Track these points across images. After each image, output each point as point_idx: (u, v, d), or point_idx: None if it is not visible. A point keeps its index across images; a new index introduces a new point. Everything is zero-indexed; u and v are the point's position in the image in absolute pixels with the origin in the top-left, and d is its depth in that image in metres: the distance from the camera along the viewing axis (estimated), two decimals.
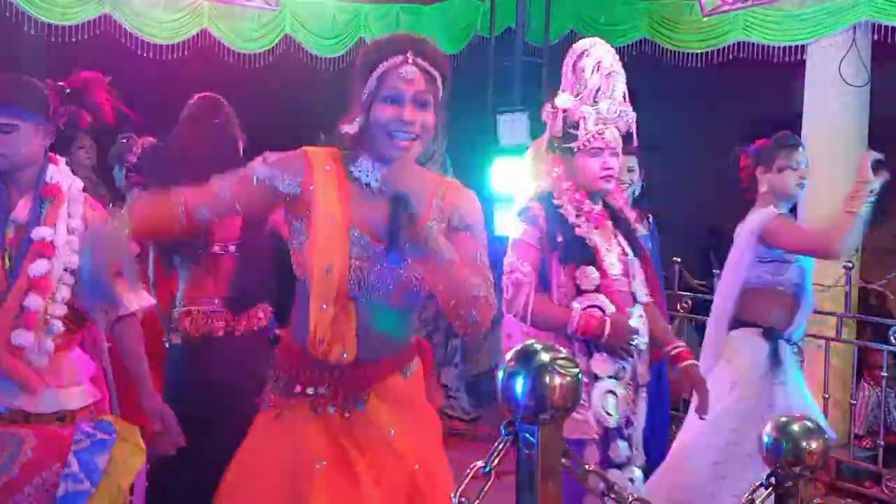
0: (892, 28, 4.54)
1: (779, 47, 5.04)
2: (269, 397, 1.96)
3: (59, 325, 2.21)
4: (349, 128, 1.86)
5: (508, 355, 1.40)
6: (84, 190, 2.37)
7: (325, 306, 1.83)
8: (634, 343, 2.54)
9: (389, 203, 1.71)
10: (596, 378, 2.51)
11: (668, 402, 4.17)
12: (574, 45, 2.72)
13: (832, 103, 4.83)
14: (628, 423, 2.56)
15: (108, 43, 5.05)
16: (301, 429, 1.89)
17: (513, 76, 6.33)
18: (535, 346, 1.40)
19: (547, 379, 1.33)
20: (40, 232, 2.21)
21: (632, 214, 2.77)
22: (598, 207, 2.63)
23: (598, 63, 2.60)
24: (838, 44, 4.76)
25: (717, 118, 8.77)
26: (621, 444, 2.52)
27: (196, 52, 5.33)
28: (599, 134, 2.56)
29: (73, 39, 4.90)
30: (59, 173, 2.30)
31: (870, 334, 4.92)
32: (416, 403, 2.01)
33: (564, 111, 2.61)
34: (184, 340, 2.93)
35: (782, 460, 1.58)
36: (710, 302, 5.00)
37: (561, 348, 1.42)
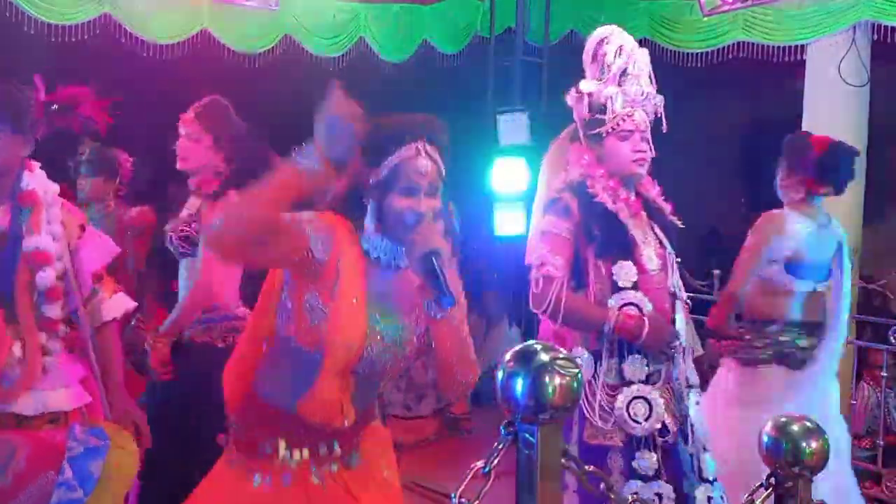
0: (892, 28, 4.53)
1: (779, 47, 5.04)
2: (237, 461, 1.91)
3: (64, 330, 2.26)
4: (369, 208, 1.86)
5: (508, 355, 1.40)
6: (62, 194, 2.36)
7: (330, 384, 1.83)
8: (674, 345, 2.41)
9: (422, 261, 1.77)
10: (625, 381, 2.36)
11: None
12: (592, 35, 2.66)
13: (832, 103, 4.83)
14: (663, 431, 2.37)
15: (108, 43, 5.05)
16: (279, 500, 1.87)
17: (513, 76, 6.33)
18: (535, 346, 1.40)
19: (547, 379, 1.33)
20: (32, 242, 2.20)
21: (667, 206, 2.57)
22: (633, 196, 2.49)
23: (620, 47, 2.53)
24: (838, 44, 4.75)
25: (717, 118, 8.78)
26: (647, 455, 2.34)
27: (196, 52, 5.33)
28: (628, 116, 2.45)
29: (73, 39, 4.89)
30: (35, 179, 2.27)
31: (870, 334, 4.92)
32: (389, 444, 2.09)
33: (590, 95, 2.50)
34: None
35: (782, 460, 1.58)
36: (710, 302, 5.02)
37: (560, 349, 1.42)
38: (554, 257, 2.39)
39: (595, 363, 2.38)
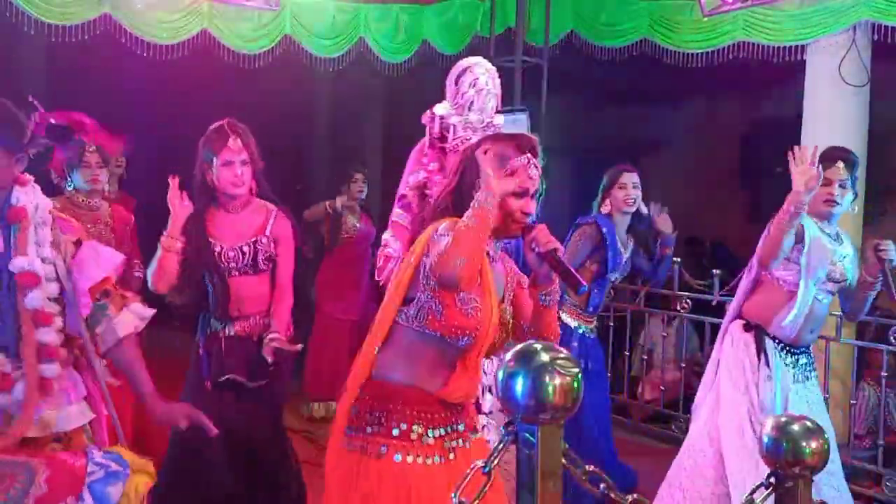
0: (892, 28, 4.53)
1: (779, 47, 5.04)
2: (392, 449, 2.10)
3: (64, 353, 2.24)
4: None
5: (508, 355, 1.40)
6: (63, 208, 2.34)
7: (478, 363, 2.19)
8: None
9: (550, 255, 2.07)
10: None
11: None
12: (459, 62, 3.18)
13: (832, 103, 4.83)
14: None
15: (108, 43, 5.05)
16: (450, 475, 2.08)
17: (513, 76, 6.33)
18: (535, 346, 1.40)
19: (547, 379, 1.33)
20: (19, 263, 2.16)
21: None
22: None
23: (474, 80, 3.09)
24: (838, 44, 4.76)
25: (716, 118, 8.78)
26: None
27: (196, 52, 5.33)
28: (467, 139, 2.93)
29: (73, 39, 4.89)
30: (26, 195, 2.22)
31: (870, 334, 4.92)
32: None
33: (441, 117, 3.08)
34: None
35: (782, 460, 1.58)
36: (710, 302, 5.03)
37: (561, 349, 1.42)
38: (394, 241, 3.06)
39: None
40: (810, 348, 3.43)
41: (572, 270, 2.06)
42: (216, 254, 3.13)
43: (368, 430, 2.10)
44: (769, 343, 3.31)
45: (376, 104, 8.93)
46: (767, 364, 3.29)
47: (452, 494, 1.40)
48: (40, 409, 2.18)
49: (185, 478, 3.10)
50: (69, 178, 3.73)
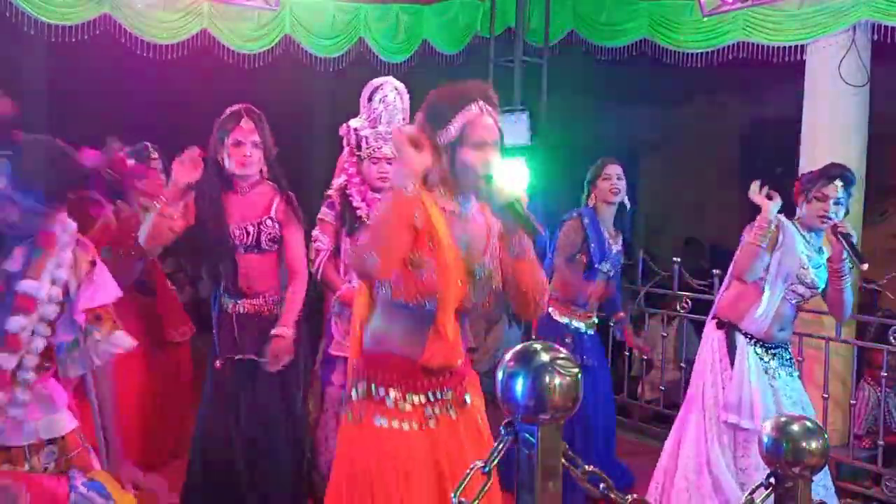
0: (892, 28, 4.53)
1: (779, 47, 5.03)
2: (374, 413, 2.17)
3: (31, 376, 2.21)
4: (435, 171, 2.16)
5: (508, 355, 1.40)
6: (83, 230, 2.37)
7: (449, 327, 2.14)
8: None
9: (509, 207, 2.06)
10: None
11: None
12: (370, 82, 3.59)
13: (832, 103, 4.83)
14: None
15: (108, 43, 5.05)
16: (434, 442, 2.16)
17: (513, 76, 6.33)
18: (535, 346, 1.40)
19: (547, 379, 1.33)
20: (25, 285, 2.18)
21: None
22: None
23: (384, 97, 3.52)
24: (838, 44, 4.75)
25: (716, 118, 8.77)
26: None
27: (196, 52, 5.33)
28: (378, 149, 3.46)
29: (73, 39, 4.89)
30: (59, 221, 2.26)
31: (870, 334, 4.92)
32: (476, 378, 2.36)
33: (356, 129, 3.54)
34: None
35: (782, 460, 1.58)
36: (710, 302, 5.02)
37: (560, 349, 1.42)
38: (322, 236, 3.49)
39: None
40: (788, 345, 3.54)
41: (532, 221, 2.10)
42: (229, 232, 3.29)
43: (354, 397, 2.19)
44: (740, 339, 3.42)
45: None
46: (732, 364, 3.42)
47: (452, 494, 1.40)
48: (26, 419, 2.19)
49: (211, 474, 3.29)
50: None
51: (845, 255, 3.25)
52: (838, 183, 3.29)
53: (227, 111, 3.34)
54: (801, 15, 4.91)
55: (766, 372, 3.38)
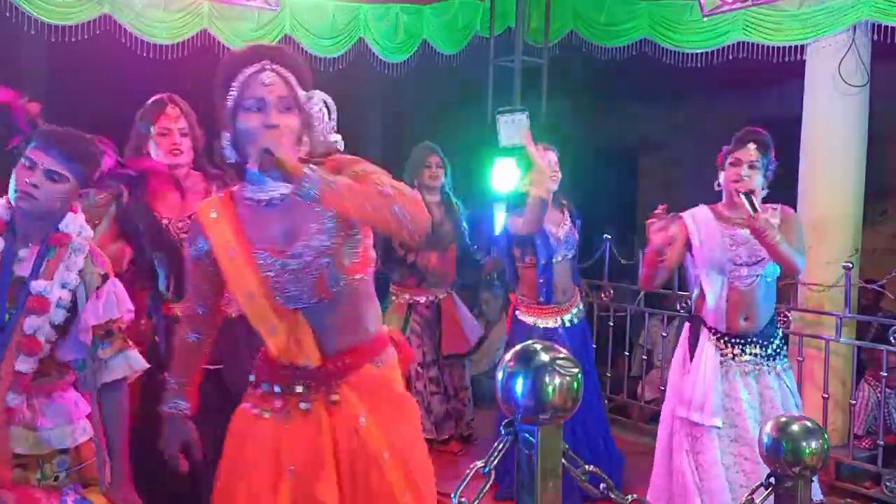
0: (892, 28, 4.53)
1: (779, 47, 5.03)
2: (250, 399, 2.13)
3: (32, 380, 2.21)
4: (227, 155, 2.02)
5: (508, 356, 1.41)
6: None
7: (272, 328, 2.00)
8: None
9: (262, 159, 1.83)
10: None
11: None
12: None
13: (832, 103, 4.82)
14: None
15: (108, 43, 5.04)
16: (278, 432, 2.04)
17: (513, 76, 6.33)
18: (535, 346, 1.40)
19: (547, 379, 1.33)
20: (37, 286, 2.18)
21: None
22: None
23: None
24: (838, 44, 4.75)
25: (716, 118, 8.77)
26: None
27: (196, 52, 5.32)
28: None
29: (73, 39, 4.88)
30: (73, 222, 2.26)
31: (871, 334, 4.92)
32: (391, 392, 2.13)
33: None
34: None
35: (782, 460, 1.58)
36: None
37: (561, 349, 1.42)
38: None
39: None
40: (772, 338, 3.35)
41: (286, 169, 1.84)
42: (165, 227, 3.06)
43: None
44: (703, 332, 3.34)
45: (376, 104, 8.93)
46: (691, 358, 3.35)
47: (452, 494, 1.40)
48: (42, 428, 2.19)
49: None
50: None
51: (752, 214, 3.09)
52: (751, 146, 3.21)
53: (149, 101, 3.16)
54: (801, 15, 4.91)
55: (721, 365, 3.26)
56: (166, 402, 2.21)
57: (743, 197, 3.12)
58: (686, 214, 3.39)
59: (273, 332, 2.00)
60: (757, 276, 3.26)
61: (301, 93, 2.02)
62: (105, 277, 2.29)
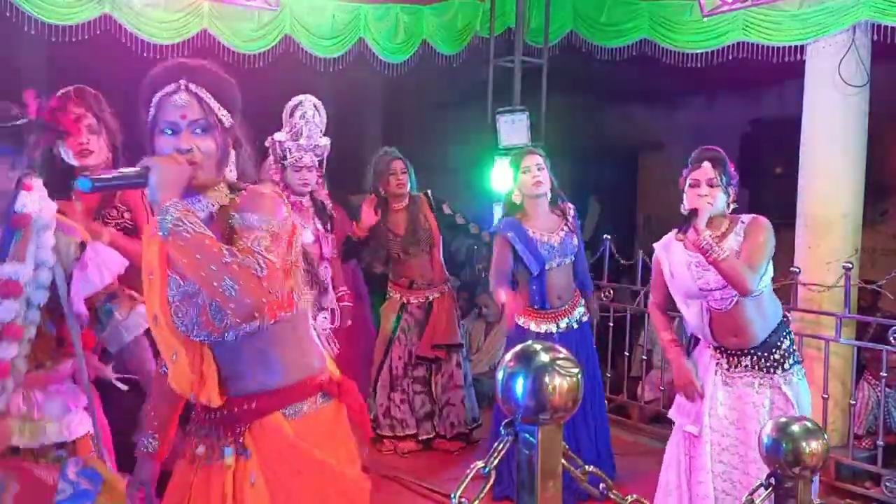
0: (892, 28, 4.53)
1: (779, 47, 5.03)
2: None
3: (22, 366, 2.16)
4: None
5: (508, 356, 1.40)
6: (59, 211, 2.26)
7: (174, 355, 1.85)
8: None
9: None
10: None
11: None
12: (291, 101, 4.16)
13: (832, 103, 4.82)
14: None
15: (108, 43, 5.04)
16: (188, 479, 1.94)
17: (512, 76, 6.33)
18: (535, 346, 1.40)
19: (547, 379, 1.33)
20: (6, 269, 2.12)
21: (329, 203, 4.45)
22: (305, 200, 4.26)
23: (303, 113, 4.12)
24: (838, 44, 4.75)
25: (716, 118, 8.77)
26: None
27: (196, 52, 5.32)
28: (300, 158, 4.13)
29: (73, 39, 4.88)
30: (31, 200, 2.18)
31: (871, 334, 4.92)
32: (296, 452, 1.90)
33: (280, 142, 4.13)
34: None
35: (782, 461, 1.58)
36: None
37: (561, 349, 1.41)
38: None
39: None
40: (769, 351, 3.20)
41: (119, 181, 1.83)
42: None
43: None
44: (703, 341, 3.33)
45: (376, 104, 8.93)
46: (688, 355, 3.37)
47: (452, 495, 1.40)
48: (43, 419, 2.18)
49: None
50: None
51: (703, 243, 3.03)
52: (706, 164, 3.19)
53: (55, 96, 2.95)
54: (800, 15, 4.91)
55: (716, 374, 3.22)
56: (140, 434, 2.11)
57: (687, 215, 3.12)
58: (658, 246, 3.38)
59: (174, 360, 1.85)
60: (735, 296, 3.12)
61: (223, 113, 1.91)
62: (82, 246, 2.25)
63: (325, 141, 4.25)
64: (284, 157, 4.12)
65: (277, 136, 4.14)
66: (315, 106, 4.18)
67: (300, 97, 4.16)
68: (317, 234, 4.25)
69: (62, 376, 2.27)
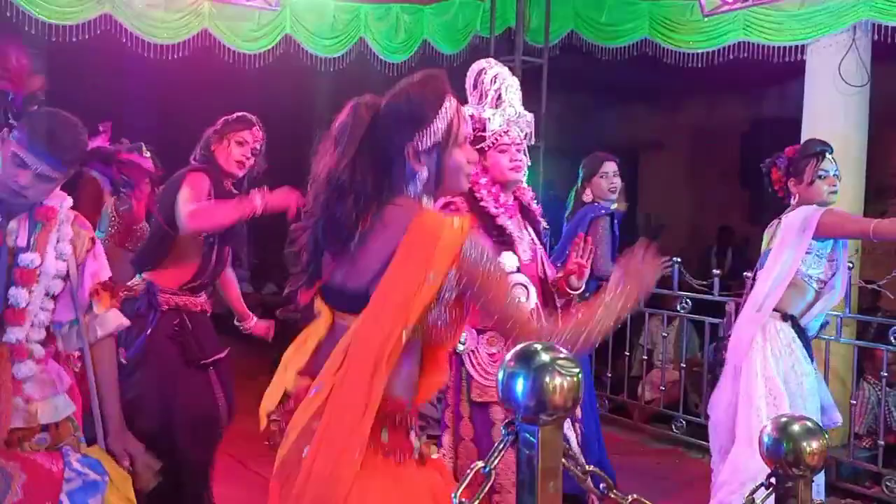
0: (892, 28, 4.53)
1: (779, 47, 5.04)
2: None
3: (39, 350, 2.23)
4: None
5: (508, 355, 1.40)
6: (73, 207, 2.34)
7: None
8: None
9: None
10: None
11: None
12: (472, 66, 2.98)
13: (832, 103, 4.83)
14: None
15: (108, 43, 5.05)
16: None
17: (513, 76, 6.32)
18: (535, 346, 1.40)
19: (547, 379, 1.33)
20: (26, 258, 2.19)
21: (538, 208, 3.06)
22: (511, 200, 2.91)
23: (495, 76, 2.90)
24: (838, 44, 4.75)
25: (716, 118, 8.78)
26: None
27: (196, 52, 5.33)
28: (505, 132, 2.84)
29: (73, 39, 4.89)
30: (55, 194, 2.27)
31: (871, 334, 4.92)
32: None
33: (472, 117, 2.80)
34: None
35: (782, 460, 1.58)
36: (711, 302, 5.03)
37: (561, 349, 1.41)
38: None
39: (479, 335, 2.77)
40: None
41: None
42: None
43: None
44: (796, 331, 3.31)
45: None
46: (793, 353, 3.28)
47: (452, 495, 1.40)
48: (31, 400, 2.19)
49: None
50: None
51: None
52: (828, 155, 3.25)
53: (236, 115, 3.28)
54: (801, 15, 4.92)
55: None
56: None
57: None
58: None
59: None
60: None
61: None
62: (93, 240, 2.35)
63: (530, 115, 3.09)
64: (479, 139, 2.84)
65: (467, 109, 2.83)
66: (505, 68, 3.05)
67: (482, 62, 3.03)
68: (533, 252, 2.97)
69: (46, 355, 2.31)
